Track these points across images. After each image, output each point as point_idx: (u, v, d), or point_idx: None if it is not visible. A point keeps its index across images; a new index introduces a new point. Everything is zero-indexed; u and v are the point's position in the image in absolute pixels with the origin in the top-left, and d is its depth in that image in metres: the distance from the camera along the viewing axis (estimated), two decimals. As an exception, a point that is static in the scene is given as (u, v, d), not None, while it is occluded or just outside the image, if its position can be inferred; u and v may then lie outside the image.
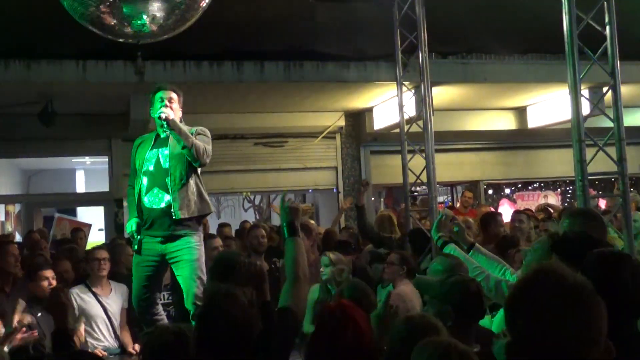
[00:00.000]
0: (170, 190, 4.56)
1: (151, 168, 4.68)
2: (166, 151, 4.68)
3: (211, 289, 2.42)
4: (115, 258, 6.05)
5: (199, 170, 4.76)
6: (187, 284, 4.47)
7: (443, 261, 3.60)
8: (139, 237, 4.67)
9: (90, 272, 5.67)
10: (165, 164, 4.63)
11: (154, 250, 4.62)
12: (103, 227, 10.14)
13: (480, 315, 3.01)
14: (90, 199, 10.63)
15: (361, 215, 7.00)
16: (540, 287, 1.68)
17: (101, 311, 5.55)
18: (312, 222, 7.21)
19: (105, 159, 9.96)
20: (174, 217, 4.53)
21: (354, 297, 3.49)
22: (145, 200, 4.66)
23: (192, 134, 4.70)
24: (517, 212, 6.89)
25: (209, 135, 4.82)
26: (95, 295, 5.59)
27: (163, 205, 4.58)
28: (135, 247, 4.69)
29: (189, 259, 4.51)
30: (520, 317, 1.68)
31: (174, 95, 4.79)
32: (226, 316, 2.30)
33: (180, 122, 4.80)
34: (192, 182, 4.62)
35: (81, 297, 5.54)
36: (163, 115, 4.62)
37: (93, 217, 10.82)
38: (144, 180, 4.68)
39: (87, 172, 12.46)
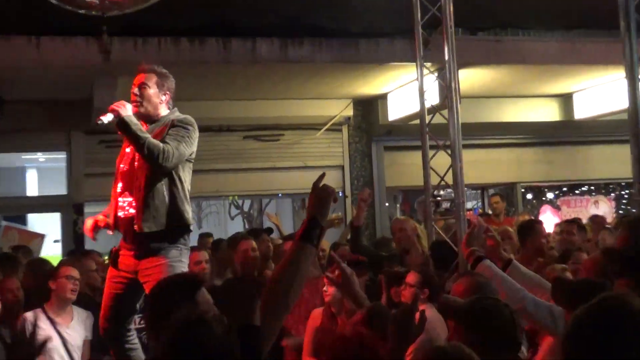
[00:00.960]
0: (135, 197, 4.55)
1: (125, 168, 4.67)
2: None
3: (180, 315, 2.42)
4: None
5: (184, 171, 4.68)
6: None
7: (466, 281, 3.61)
8: (116, 247, 4.70)
9: (53, 293, 5.62)
10: (136, 163, 4.60)
11: (128, 265, 4.64)
12: (59, 237, 10.14)
13: (514, 347, 3.01)
14: (43, 204, 10.63)
15: (356, 236, 6.97)
16: (608, 319, 1.77)
17: (59, 343, 5.53)
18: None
19: (62, 156, 9.97)
20: (137, 231, 4.52)
21: (374, 326, 3.48)
22: (117, 207, 4.67)
23: (164, 124, 4.61)
24: (568, 222, 6.92)
25: (191, 128, 4.66)
26: (53, 323, 5.57)
27: (131, 213, 4.59)
28: (110, 257, 4.71)
29: (160, 279, 4.47)
30: (584, 352, 1.77)
31: (148, 80, 4.70)
32: (199, 349, 2.30)
33: (170, 108, 4.72)
34: (161, 187, 4.54)
35: (36, 325, 5.51)
36: (100, 121, 4.52)
37: (47, 226, 10.82)
38: (119, 183, 4.69)
39: (40, 172, 12.46)
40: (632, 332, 1.75)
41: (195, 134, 4.69)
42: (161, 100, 4.71)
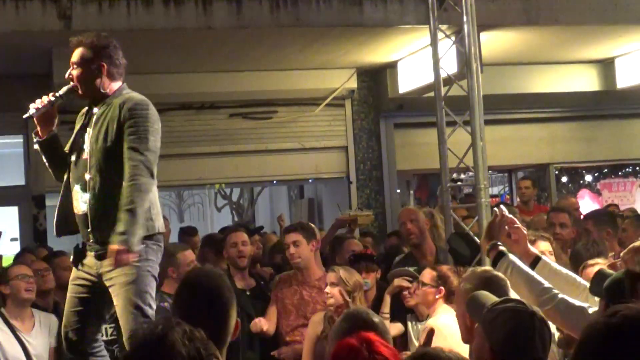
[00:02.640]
0: (89, 196, 4.54)
1: (74, 158, 4.67)
2: (89, 134, 4.62)
3: (142, 328, 2.45)
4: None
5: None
6: (122, 318, 4.49)
7: (472, 276, 3.75)
8: (80, 244, 4.72)
9: (8, 298, 5.74)
10: (86, 155, 4.59)
11: (90, 266, 4.65)
12: (17, 235, 10.16)
13: (533, 356, 3.04)
14: (-2, 196, 10.65)
15: None
16: (625, 335, 1.74)
17: (20, 352, 5.61)
18: (312, 225, 7.23)
19: (19, 140, 9.97)
20: (91, 240, 4.53)
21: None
22: (73, 203, 4.67)
23: (113, 111, 4.55)
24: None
25: (146, 113, 4.55)
26: (12, 329, 5.65)
27: (84, 211, 4.59)
28: (72, 257, 4.74)
29: (124, 281, 4.47)
30: None
31: (75, 57, 4.64)
32: None
33: (120, 79, 4.69)
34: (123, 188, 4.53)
35: None
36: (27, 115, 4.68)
37: (3, 221, 10.83)
38: (70, 174, 4.69)
39: (-7, 159, 12.48)
40: None
41: (155, 116, 4.62)
42: (97, 75, 4.65)
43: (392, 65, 10.04)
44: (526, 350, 3.01)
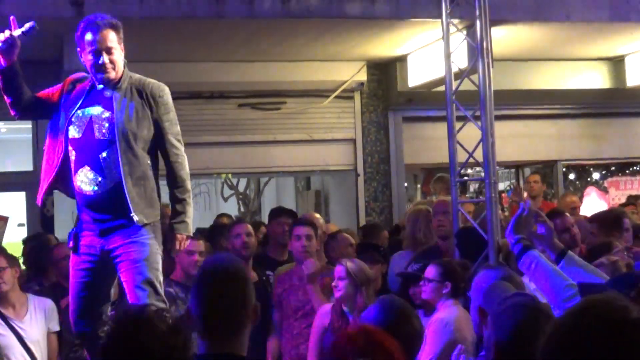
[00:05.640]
0: (122, 179, 4.56)
1: (78, 134, 4.67)
2: (107, 116, 4.63)
3: (122, 309, 2.50)
4: (38, 262, 6.21)
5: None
6: (133, 294, 4.52)
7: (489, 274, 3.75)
8: (74, 229, 4.77)
9: None
10: (107, 135, 4.60)
11: (92, 246, 4.68)
12: (24, 221, 10.18)
13: (527, 350, 3.03)
14: (6, 182, 10.66)
15: None
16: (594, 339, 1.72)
17: (15, 341, 5.60)
18: (318, 215, 7.24)
19: (27, 126, 9.99)
20: (134, 220, 4.57)
21: (387, 322, 3.51)
22: (76, 180, 4.68)
23: (131, 90, 4.66)
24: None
25: (170, 99, 4.81)
26: (4, 318, 5.62)
27: (96, 191, 4.62)
28: (70, 242, 4.76)
29: (135, 257, 4.54)
30: None
31: (113, 40, 4.64)
32: (136, 348, 2.38)
33: (127, 70, 4.76)
34: (149, 170, 4.70)
35: None
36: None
37: (11, 207, 10.85)
38: (71, 152, 4.69)
39: (1, 144, 12.49)
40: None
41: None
42: (121, 64, 4.73)
43: (402, 59, 10.04)
44: (528, 347, 2.99)
